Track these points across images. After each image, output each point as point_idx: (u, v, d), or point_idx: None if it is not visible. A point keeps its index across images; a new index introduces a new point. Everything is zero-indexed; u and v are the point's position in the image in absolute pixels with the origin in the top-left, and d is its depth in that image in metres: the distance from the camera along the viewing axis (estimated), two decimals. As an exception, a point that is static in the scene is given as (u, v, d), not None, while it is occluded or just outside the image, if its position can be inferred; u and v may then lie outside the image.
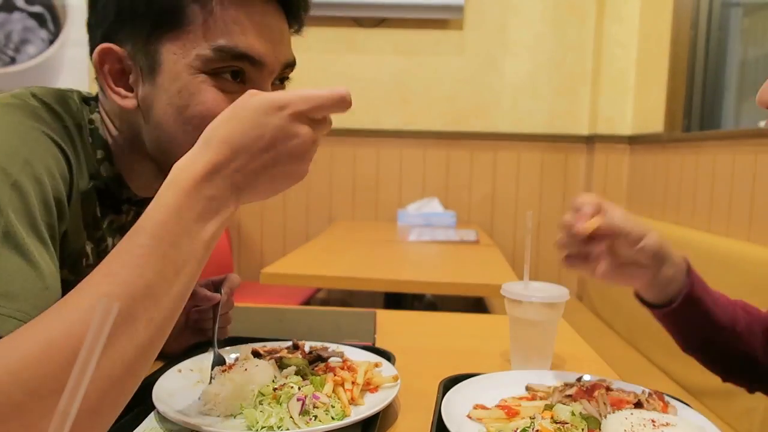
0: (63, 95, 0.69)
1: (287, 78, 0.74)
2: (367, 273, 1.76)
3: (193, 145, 0.57)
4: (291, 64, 0.71)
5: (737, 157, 1.97)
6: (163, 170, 0.66)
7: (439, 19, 3.14)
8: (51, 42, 3.19)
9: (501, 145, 3.19)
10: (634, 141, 2.95)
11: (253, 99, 0.56)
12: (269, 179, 0.57)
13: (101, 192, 0.69)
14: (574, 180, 3.18)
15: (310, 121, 0.57)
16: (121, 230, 0.74)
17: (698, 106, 2.53)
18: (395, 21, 3.17)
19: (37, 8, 3.17)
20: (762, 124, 1.96)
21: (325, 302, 3.29)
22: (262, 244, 3.32)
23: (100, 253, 0.70)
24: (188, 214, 0.53)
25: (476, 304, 3.04)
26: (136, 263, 0.50)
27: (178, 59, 0.63)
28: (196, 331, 0.90)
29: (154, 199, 0.54)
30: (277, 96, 0.57)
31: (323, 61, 3.23)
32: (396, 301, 2.04)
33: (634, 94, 2.98)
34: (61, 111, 0.66)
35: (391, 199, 3.25)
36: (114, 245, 0.69)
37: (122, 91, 0.66)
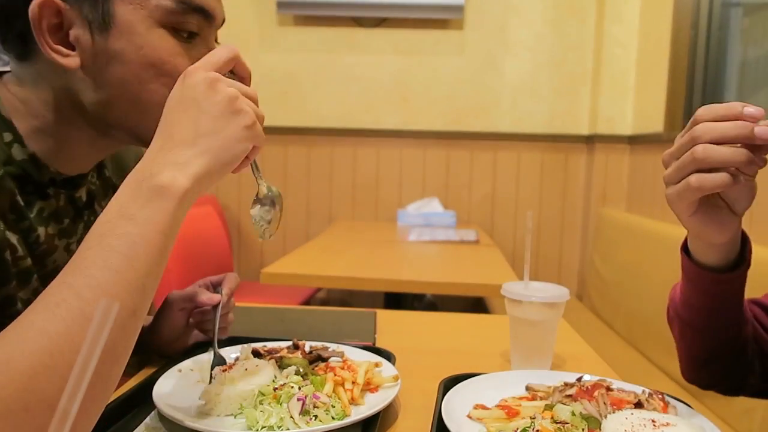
0: None
1: (216, 39, 0.72)
2: (367, 273, 1.76)
3: (157, 102, 0.58)
4: (222, 22, 0.71)
5: (737, 157, 1.97)
6: (106, 134, 0.67)
7: (439, 19, 3.14)
8: None
9: (501, 145, 3.19)
10: (634, 141, 2.94)
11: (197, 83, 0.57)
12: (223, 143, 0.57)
13: (19, 178, 0.63)
14: (574, 180, 3.18)
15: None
16: (55, 217, 0.69)
17: (698, 106, 2.51)
18: (395, 21, 3.17)
19: None
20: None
21: (325, 302, 3.29)
22: (262, 244, 3.32)
23: (32, 245, 0.65)
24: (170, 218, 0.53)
25: (476, 304, 3.04)
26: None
27: (135, 10, 0.60)
28: (198, 332, 0.90)
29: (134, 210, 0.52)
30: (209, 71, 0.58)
31: (323, 61, 3.23)
32: (396, 301, 2.04)
33: (634, 94, 2.98)
34: None
35: (391, 199, 3.25)
36: (48, 234, 0.66)
37: (62, 49, 0.61)
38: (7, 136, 0.63)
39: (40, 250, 0.66)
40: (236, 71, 0.62)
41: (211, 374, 0.74)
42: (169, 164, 0.54)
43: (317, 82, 3.25)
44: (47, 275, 0.67)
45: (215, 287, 0.88)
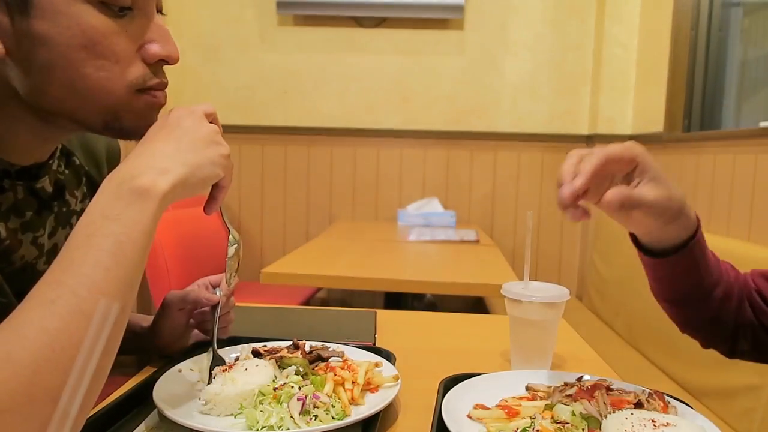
0: None
1: (161, 7, 0.66)
2: (367, 273, 1.76)
3: (94, 87, 0.58)
4: None
5: (737, 157, 1.97)
6: (48, 121, 0.63)
7: (440, 19, 3.14)
8: None
9: (501, 145, 3.19)
10: (635, 141, 2.94)
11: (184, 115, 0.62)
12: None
13: None
14: (574, 180, 3.18)
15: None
16: (15, 211, 0.65)
17: (698, 106, 2.53)
18: (395, 21, 3.17)
19: None
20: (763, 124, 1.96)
21: (325, 302, 3.29)
22: (262, 244, 3.32)
23: None
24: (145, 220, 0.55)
25: (476, 304, 3.04)
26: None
27: None
28: (198, 332, 0.90)
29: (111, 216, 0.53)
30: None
31: (323, 61, 3.23)
32: (396, 301, 2.04)
33: (634, 94, 2.99)
34: None
35: (391, 199, 3.25)
36: (9, 230, 0.63)
37: None
38: None
39: (2, 246, 0.63)
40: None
41: (210, 374, 0.74)
42: (150, 168, 0.56)
43: (317, 82, 3.25)
44: (15, 272, 0.65)
45: (214, 287, 0.88)
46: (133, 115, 0.63)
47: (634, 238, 0.80)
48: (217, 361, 0.78)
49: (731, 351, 0.85)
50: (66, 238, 0.65)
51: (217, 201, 0.66)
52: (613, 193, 0.68)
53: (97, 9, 0.57)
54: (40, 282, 0.50)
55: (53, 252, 0.70)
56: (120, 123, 0.62)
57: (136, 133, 0.63)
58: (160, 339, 0.86)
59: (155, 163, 0.56)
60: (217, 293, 0.86)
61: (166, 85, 0.65)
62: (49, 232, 0.71)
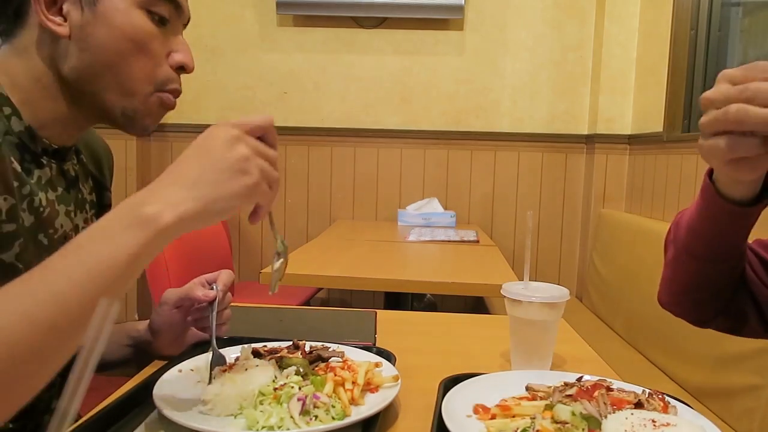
0: None
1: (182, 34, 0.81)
2: (367, 273, 1.76)
3: (125, 74, 0.71)
4: (188, 21, 0.80)
5: (737, 157, 1.97)
6: (79, 108, 0.75)
7: (439, 19, 3.14)
8: None
9: (501, 145, 3.19)
10: (634, 141, 2.95)
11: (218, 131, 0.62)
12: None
13: (18, 147, 0.71)
14: (574, 180, 3.18)
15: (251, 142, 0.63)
16: (51, 185, 0.76)
17: (698, 106, 2.53)
18: (395, 21, 3.17)
19: None
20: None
21: (325, 302, 3.29)
22: (262, 244, 3.32)
23: (36, 209, 0.72)
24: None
25: (476, 304, 3.04)
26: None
27: None
28: (198, 332, 0.90)
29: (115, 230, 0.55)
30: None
31: (323, 61, 3.23)
32: (396, 301, 2.04)
33: (633, 94, 2.99)
34: None
35: (391, 199, 3.25)
36: (48, 200, 0.74)
37: (56, 19, 0.70)
38: (7, 110, 0.71)
39: (46, 214, 0.73)
40: (266, 139, 0.65)
41: (210, 374, 0.74)
42: (161, 199, 0.57)
43: (317, 82, 3.25)
44: (59, 241, 0.75)
45: (210, 285, 0.88)
46: (145, 109, 0.75)
47: (715, 189, 0.71)
48: (218, 359, 0.78)
49: (707, 320, 0.84)
50: (84, 221, 0.83)
51: (258, 215, 0.67)
52: None
53: (146, 15, 0.72)
54: (33, 268, 0.52)
55: (76, 231, 0.80)
56: (134, 113, 0.74)
57: (144, 127, 0.76)
58: (159, 339, 0.86)
59: (168, 193, 0.58)
60: (215, 289, 0.86)
61: (179, 93, 0.78)
62: (74, 212, 0.81)
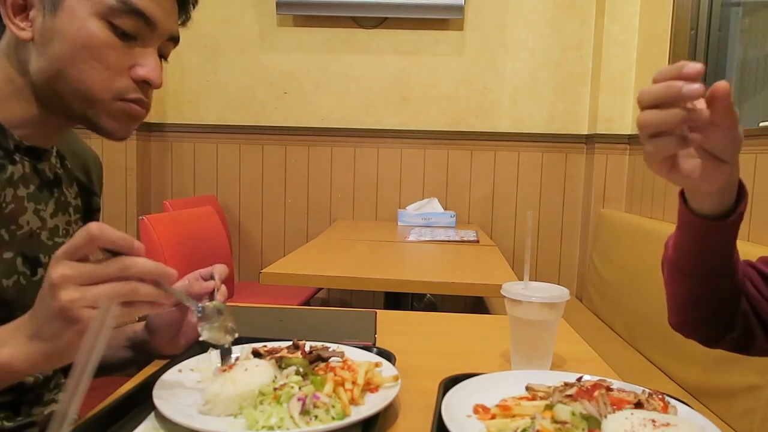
0: None
1: (168, 54, 0.82)
2: (367, 273, 1.76)
3: (81, 79, 0.71)
4: (175, 39, 0.80)
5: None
6: (49, 110, 0.76)
7: (439, 19, 3.14)
8: None
9: (501, 145, 3.19)
10: (634, 141, 2.95)
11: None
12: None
13: None
14: (574, 180, 3.18)
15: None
16: (24, 182, 0.77)
17: (698, 106, 2.53)
18: (395, 21, 3.17)
19: None
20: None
21: (325, 302, 3.29)
22: (262, 244, 3.32)
23: (1, 204, 0.73)
24: None
25: (476, 304, 3.04)
26: None
27: (82, 1, 0.71)
28: (196, 329, 0.89)
29: None
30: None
31: (323, 61, 3.23)
32: (396, 301, 2.04)
33: (633, 94, 2.98)
34: None
35: (391, 199, 3.25)
36: (16, 196, 0.75)
37: (20, 23, 0.72)
38: None
39: (8, 210, 0.75)
40: (114, 247, 0.59)
41: (222, 360, 0.75)
42: (15, 343, 0.61)
43: (317, 82, 3.25)
44: (24, 237, 0.76)
45: (205, 279, 0.88)
46: (109, 116, 0.75)
47: (685, 206, 0.74)
48: (225, 350, 0.78)
49: (716, 339, 0.84)
50: (65, 223, 0.85)
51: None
52: (723, 84, 0.58)
53: (107, 26, 0.72)
54: None
55: (55, 231, 0.82)
56: (97, 119, 0.75)
57: (111, 133, 0.77)
58: (156, 338, 0.86)
59: (17, 342, 0.61)
60: (214, 277, 0.86)
61: (146, 103, 0.78)
62: (51, 212, 0.82)
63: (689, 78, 0.57)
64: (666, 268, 0.84)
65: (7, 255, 0.74)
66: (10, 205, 0.75)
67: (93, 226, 0.58)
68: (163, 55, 0.80)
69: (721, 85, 0.58)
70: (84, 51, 0.71)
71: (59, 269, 0.57)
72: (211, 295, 0.84)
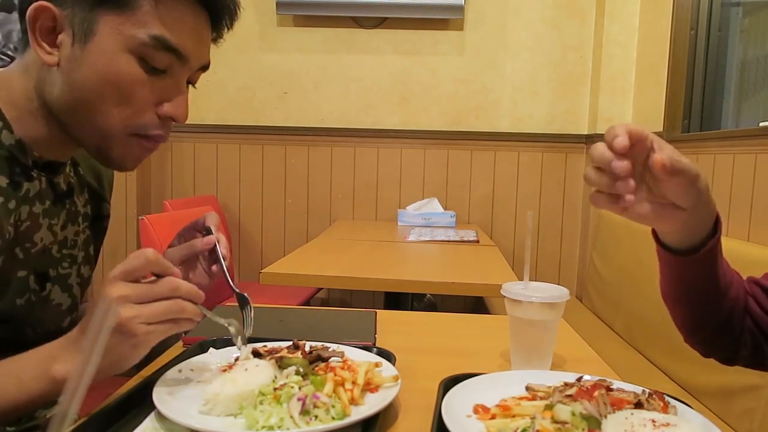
0: None
1: (196, 81, 0.81)
2: (367, 273, 1.76)
3: (101, 116, 0.70)
4: (206, 66, 0.79)
5: (737, 157, 1.97)
6: (68, 132, 0.75)
7: (439, 19, 3.14)
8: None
9: (501, 145, 3.19)
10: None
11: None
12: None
13: (8, 160, 0.72)
14: (574, 180, 3.18)
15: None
16: (39, 198, 0.77)
17: (698, 106, 2.53)
18: (395, 21, 3.17)
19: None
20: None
21: (325, 302, 3.29)
22: (262, 244, 3.32)
23: (16, 222, 0.73)
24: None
25: (476, 304, 3.04)
26: None
27: (114, 35, 0.68)
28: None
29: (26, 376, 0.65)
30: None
31: (323, 61, 3.23)
32: (396, 301, 2.04)
33: (633, 94, 2.99)
34: None
35: (391, 199, 3.25)
36: (32, 213, 0.75)
37: (47, 47, 0.70)
38: None
39: (23, 228, 0.74)
40: (163, 272, 0.67)
41: (243, 317, 0.78)
42: (69, 359, 0.65)
43: (317, 82, 3.25)
44: (37, 253, 0.77)
45: (202, 231, 0.87)
46: (123, 149, 0.74)
47: (656, 239, 0.78)
48: (243, 300, 0.80)
49: (732, 358, 0.85)
50: (74, 234, 0.84)
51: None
52: (662, 155, 0.63)
53: (137, 61, 0.70)
54: None
55: (64, 243, 0.82)
56: (110, 151, 0.74)
57: (120, 165, 0.76)
58: None
59: (74, 357, 0.65)
60: (211, 230, 0.86)
61: (164, 139, 0.77)
62: (62, 224, 0.81)
63: (616, 152, 0.62)
64: (661, 294, 0.86)
65: (21, 273, 0.74)
66: (25, 223, 0.74)
67: (149, 253, 0.65)
68: (191, 82, 0.79)
69: (656, 158, 0.63)
70: (110, 87, 0.69)
71: (119, 289, 0.63)
72: (214, 250, 0.84)
